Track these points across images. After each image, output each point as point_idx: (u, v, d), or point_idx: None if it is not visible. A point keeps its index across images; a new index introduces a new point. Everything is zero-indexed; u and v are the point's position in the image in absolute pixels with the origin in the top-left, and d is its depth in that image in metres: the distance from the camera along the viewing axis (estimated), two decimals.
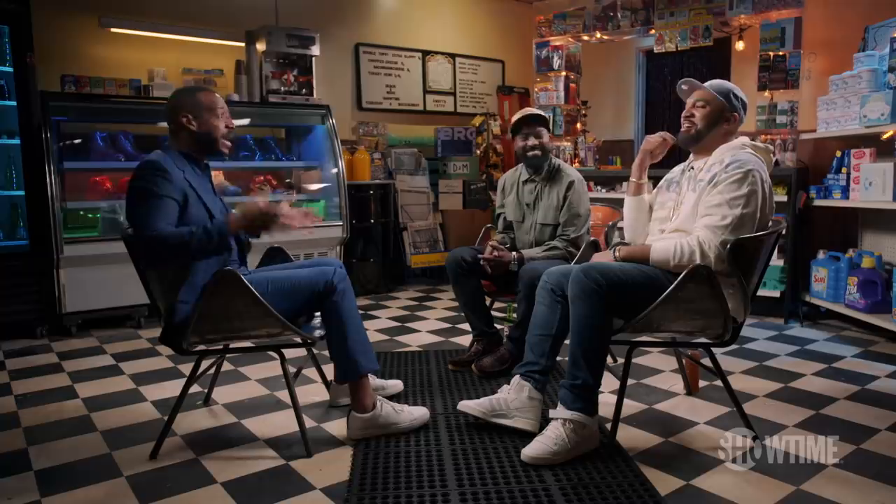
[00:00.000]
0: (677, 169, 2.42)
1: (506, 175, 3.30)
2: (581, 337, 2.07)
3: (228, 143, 2.31)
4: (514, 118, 3.11)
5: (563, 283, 2.21)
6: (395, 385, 2.73)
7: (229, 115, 2.30)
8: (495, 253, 2.92)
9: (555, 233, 3.03)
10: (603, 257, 2.31)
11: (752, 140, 2.27)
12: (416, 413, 2.32)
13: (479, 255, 2.94)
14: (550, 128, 3.09)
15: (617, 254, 2.25)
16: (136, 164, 2.14)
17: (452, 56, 6.19)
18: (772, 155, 2.28)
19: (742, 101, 2.28)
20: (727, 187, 2.09)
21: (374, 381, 2.59)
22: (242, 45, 4.73)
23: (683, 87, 2.32)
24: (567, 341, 2.16)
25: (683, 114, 2.31)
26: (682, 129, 2.30)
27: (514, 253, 2.96)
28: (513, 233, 3.22)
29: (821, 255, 3.89)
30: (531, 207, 3.11)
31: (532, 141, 3.01)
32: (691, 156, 2.36)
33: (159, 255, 2.04)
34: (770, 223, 2.19)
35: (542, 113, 3.11)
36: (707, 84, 2.29)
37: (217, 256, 2.14)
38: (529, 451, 2.04)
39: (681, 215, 2.22)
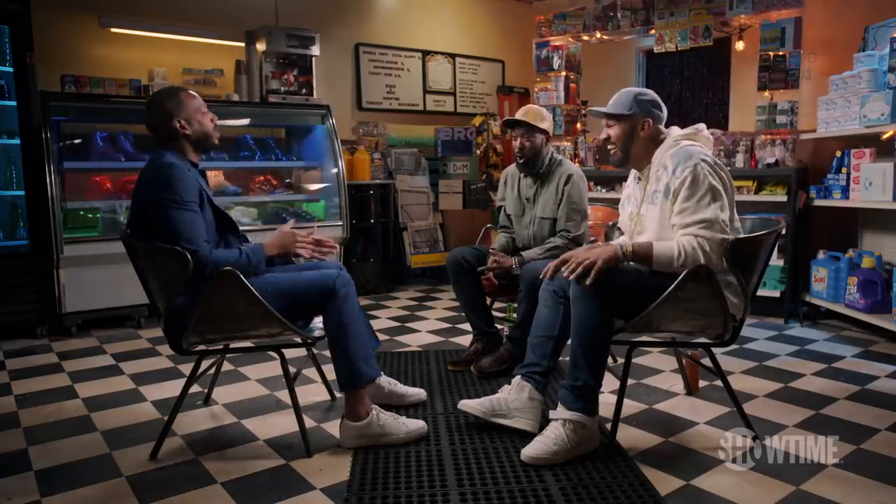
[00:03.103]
0: (630, 181, 2.41)
1: (509, 168, 3.28)
2: (582, 338, 2.07)
3: (218, 135, 2.29)
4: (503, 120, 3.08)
5: (565, 285, 2.20)
6: (418, 394, 2.60)
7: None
8: (496, 260, 2.92)
9: (553, 227, 3.01)
10: (607, 251, 2.09)
11: (682, 129, 2.24)
12: (411, 426, 2.23)
13: (479, 269, 2.94)
14: (548, 127, 3.04)
15: (623, 253, 2.09)
16: (149, 168, 2.10)
17: (452, 56, 6.19)
18: (710, 139, 2.24)
19: (649, 101, 2.22)
20: (686, 193, 2.05)
21: (396, 387, 2.55)
22: (242, 45, 4.74)
23: (591, 116, 2.33)
24: (568, 342, 2.16)
25: (601, 137, 2.32)
26: (611, 155, 2.30)
27: (513, 257, 2.95)
28: (512, 227, 3.22)
29: (821, 255, 3.89)
30: (531, 202, 3.10)
31: (518, 143, 3.01)
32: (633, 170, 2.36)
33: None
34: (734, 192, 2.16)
35: (520, 118, 2.99)
36: (610, 102, 2.27)
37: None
38: (529, 451, 2.04)
39: (647, 231, 2.19)
